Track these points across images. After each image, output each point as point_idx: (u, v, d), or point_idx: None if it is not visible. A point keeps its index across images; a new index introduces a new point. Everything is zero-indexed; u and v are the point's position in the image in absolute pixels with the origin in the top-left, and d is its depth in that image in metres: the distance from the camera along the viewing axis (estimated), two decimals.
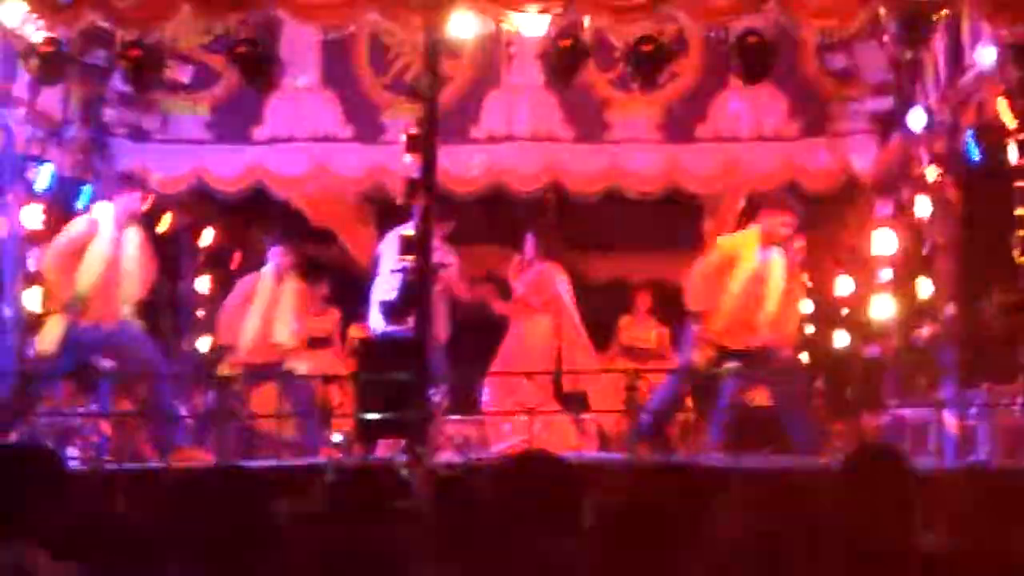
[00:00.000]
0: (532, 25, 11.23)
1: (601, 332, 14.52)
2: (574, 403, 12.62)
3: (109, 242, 11.79)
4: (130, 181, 12.20)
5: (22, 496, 3.39)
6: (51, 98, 12.88)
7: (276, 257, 13.07)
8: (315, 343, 14.30)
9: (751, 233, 11.89)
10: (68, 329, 11.61)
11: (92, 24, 11.41)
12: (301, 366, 12.89)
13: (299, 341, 13.02)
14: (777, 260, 11.74)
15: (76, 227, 11.95)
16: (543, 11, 11.01)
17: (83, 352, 11.84)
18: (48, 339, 11.68)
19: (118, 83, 12.69)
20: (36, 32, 11.41)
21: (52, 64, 11.55)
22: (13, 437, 10.76)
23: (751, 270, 11.68)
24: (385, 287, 12.33)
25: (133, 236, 12.02)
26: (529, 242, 13.28)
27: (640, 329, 15.02)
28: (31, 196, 12.55)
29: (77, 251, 11.77)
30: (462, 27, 11.19)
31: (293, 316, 12.92)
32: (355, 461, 9.99)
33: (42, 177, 12.65)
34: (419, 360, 10.31)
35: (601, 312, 14.45)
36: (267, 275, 13.03)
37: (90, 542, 3.37)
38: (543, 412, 11.50)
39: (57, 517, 3.06)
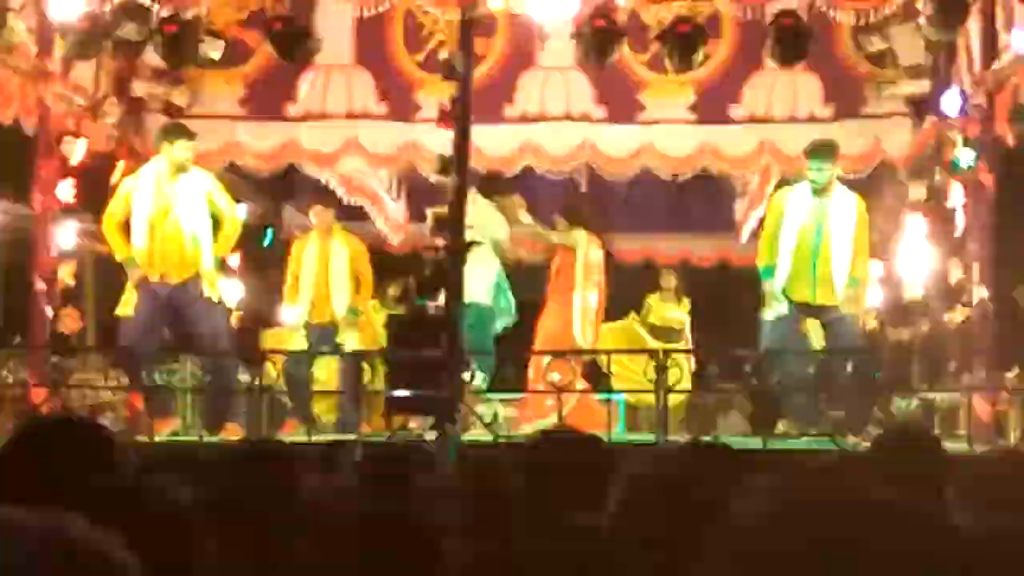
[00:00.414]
0: (566, 5, 11.23)
1: (628, 311, 14.52)
2: (602, 382, 12.61)
3: (152, 196, 11.67)
4: (177, 130, 12.09)
5: (63, 468, 3.42)
6: (84, 72, 12.90)
7: (317, 216, 13.07)
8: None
9: (799, 185, 11.75)
10: (139, 291, 11.52)
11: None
12: (351, 339, 12.85)
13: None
14: (833, 210, 11.56)
15: (122, 187, 11.85)
16: None
17: (160, 314, 11.75)
18: (127, 305, 11.64)
19: (151, 58, 12.70)
20: (72, 7, 11.46)
21: (87, 38, 11.60)
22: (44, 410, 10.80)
23: (801, 222, 11.50)
24: None
25: (190, 185, 11.78)
26: (557, 220, 13.24)
27: (668, 308, 15.03)
28: (65, 171, 12.58)
29: (122, 210, 11.64)
30: (496, 5, 11.18)
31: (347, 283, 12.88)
32: (384, 438, 10.01)
33: (76, 152, 12.67)
34: (449, 337, 10.33)
35: (628, 291, 14.44)
36: (313, 237, 13.01)
37: (128, 513, 3.39)
38: (570, 391, 11.50)
39: (97, 488, 3.08)
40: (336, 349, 12.62)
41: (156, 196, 11.59)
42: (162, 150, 11.72)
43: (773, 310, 11.50)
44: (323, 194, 14.05)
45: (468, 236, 11.36)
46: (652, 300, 15.30)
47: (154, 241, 11.55)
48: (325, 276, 12.84)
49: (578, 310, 12.85)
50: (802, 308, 11.56)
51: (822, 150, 11.54)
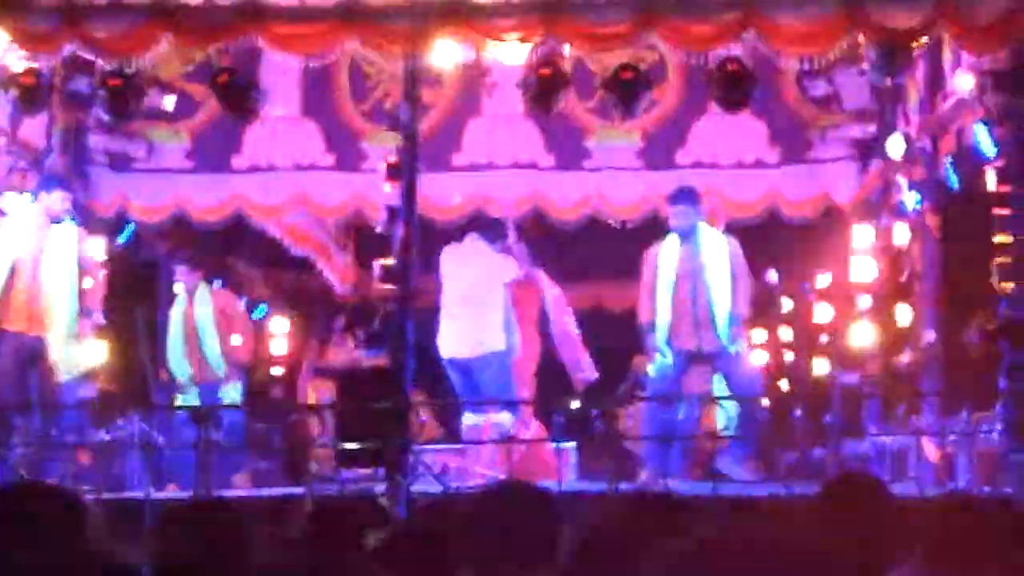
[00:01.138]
0: (512, 54, 11.25)
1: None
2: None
3: (19, 243, 11.83)
4: (57, 181, 12.22)
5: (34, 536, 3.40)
6: (33, 127, 12.85)
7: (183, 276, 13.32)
8: (327, 373, 14.40)
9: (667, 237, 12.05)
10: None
11: (73, 53, 11.42)
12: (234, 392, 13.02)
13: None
14: (704, 253, 11.93)
15: None
16: (523, 40, 11.03)
17: (16, 367, 11.77)
18: None
19: (99, 111, 12.65)
20: (17, 61, 11.41)
21: (34, 94, 11.55)
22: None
23: (673, 270, 11.82)
24: (454, 308, 12.33)
25: (60, 237, 12.01)
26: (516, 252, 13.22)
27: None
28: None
29: None
30: (442, 56, 11.19)
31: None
32: (334, 489, 9.95)
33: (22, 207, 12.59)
34: (398, 388, 10.29)
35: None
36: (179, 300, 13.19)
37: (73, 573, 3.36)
38: (521, 441, 11.48)
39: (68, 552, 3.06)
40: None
41: (24, 244, 11.79)
42: (40, 198, 11.89)
43: (657, 363, 11.77)
44: (270, 246, 14.05)
45: (479, 282, 11.53)
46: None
47: (13, 290, 11.62)
48: (195, 337, 12.98)
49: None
50: (690, 356, 11.82)
51: (680, 196, 12.04)
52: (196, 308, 13.13)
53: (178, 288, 13.30)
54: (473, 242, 12.56)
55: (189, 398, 13.08)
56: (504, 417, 11.79)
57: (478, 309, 12.13)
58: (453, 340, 12.23)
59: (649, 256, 12.17)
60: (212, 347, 13.06)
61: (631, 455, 12.55)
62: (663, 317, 11.85)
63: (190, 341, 13.09)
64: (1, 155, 12.43)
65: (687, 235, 11.87)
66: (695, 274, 11.86)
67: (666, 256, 11.95)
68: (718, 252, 11.87)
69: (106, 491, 10.65)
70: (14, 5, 10.90)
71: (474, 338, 12.09)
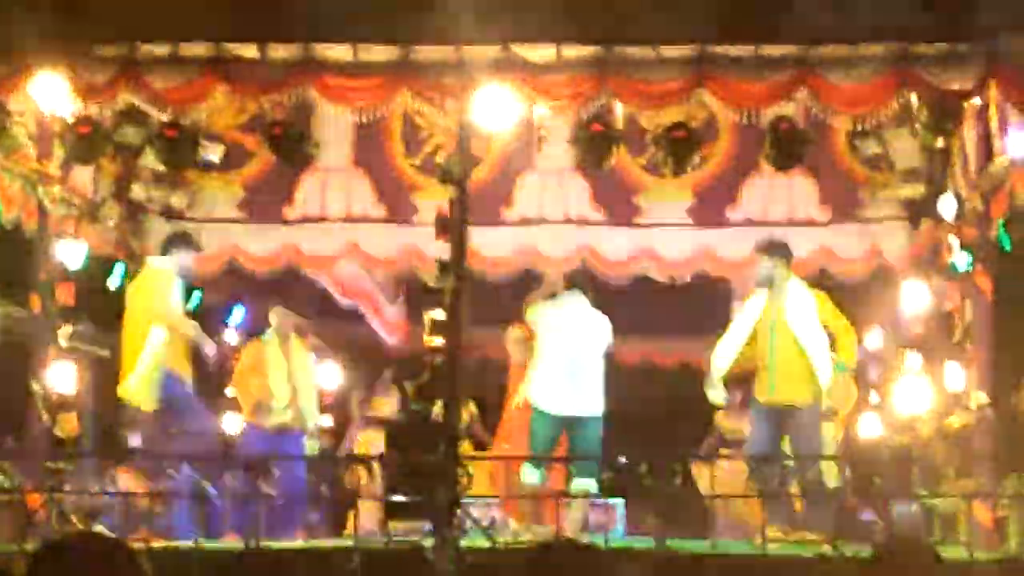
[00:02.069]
0: (563, 109, 11.31)
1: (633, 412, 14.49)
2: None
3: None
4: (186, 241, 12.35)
5: None
6: (84, 176, 12.96)
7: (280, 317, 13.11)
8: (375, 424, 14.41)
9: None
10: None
11: (128, 104, 11.54)
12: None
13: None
14: (770, 303, 11.61)
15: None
16: (575, 96, 11.08)
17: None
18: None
19: (151, 161, 12.75)
20: (72, 111, 11.54)
21: (88, 143, 11.67)
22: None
23: (754, 320, 11.63)
24: (550, 368, 12.07)
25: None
26: None
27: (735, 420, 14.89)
28: (64, 274, 12.59)
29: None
30: (494, 110, 11.23)
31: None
32: (381, 543, 9.95)
33: (75, 255, 12.69)
34: (447, 441, 10.28)
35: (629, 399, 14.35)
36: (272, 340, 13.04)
37: None
38: (568, 497, 11.44)
39: None
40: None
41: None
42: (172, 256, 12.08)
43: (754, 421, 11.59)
44: (321, 297, 14.08)
45: (582, 343, 11.42)
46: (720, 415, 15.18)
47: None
48: (292, 380, 12.87)
49: None
50: (768, 409, 11.54)
51: (764, 247, 11.74)
52: (293, 355, 13.00)
53: (271, 330, 13.10)
54: (573, 298, 12.28)
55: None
56: (589, 483, 11.61)
57: (582, 370, 11.86)
58: (555, 395, 11.95)
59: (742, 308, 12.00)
60: (309, 395, 12.94)
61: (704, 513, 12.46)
62: (731, 367, 11.58)
63: (289, 383, 12.94)
64: (56, 203, 12.51)
65: (772, 287, 11.56)
66: (777, 327, 11.52)
67: (750, 307, 11.72)
68: (803, 304, 11.54)
69: (156, 539, 10.68)
70: (74, 55, 11.02)
71: (577, 398, 11.85)
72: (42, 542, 3.65)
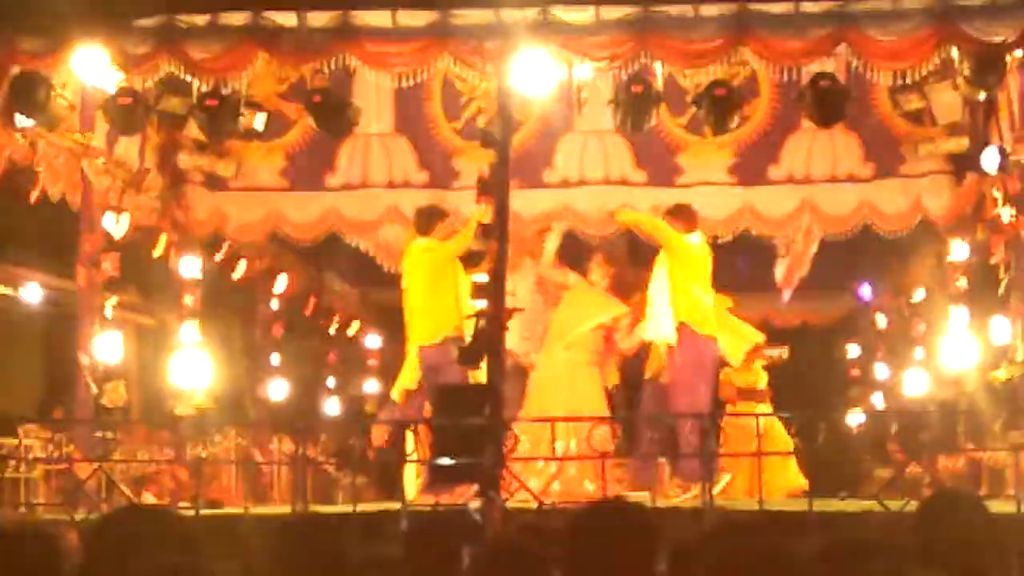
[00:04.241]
0: (603, 71, 11.30)
1: None
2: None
3: None
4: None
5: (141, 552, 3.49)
6: (128, 147, 13.01)
7: None
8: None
9: None
10: None
11: (168, 74, 11.57)
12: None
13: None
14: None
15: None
16: (614, 57, 11.06)
17: None
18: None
19: (194, 131, 12.79)
20: (114, 83, 11.58)
21: (130, 114, 11.72)
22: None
23: None
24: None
25: None
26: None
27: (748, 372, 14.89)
28: (109, 245, 12.66)
29: None
30: (534, 73, 11.22)
31: None
32: (429, 506, 10.00)
33: (119, 226, 12.76)
34: (493, 405, 10.30)
35: None
36: None
37: None
38: (616, 457, 11.45)
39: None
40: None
41: None
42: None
43: None
44: (364, 263, 14.11)
45: None
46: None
47: None
48: None
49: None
50: None
51: None
52: None
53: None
54: None
55: None
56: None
57: None
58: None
59: None
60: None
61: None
62: None
63: None
64: (100, 175, 12.57)
65: None
66: None
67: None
68: None
69: (204, 507, 10.76)
70: (114, 27, 11.05)
71: None
72: (91, 521, 3.72)
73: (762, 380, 14.73)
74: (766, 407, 13.93)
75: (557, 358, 12.55)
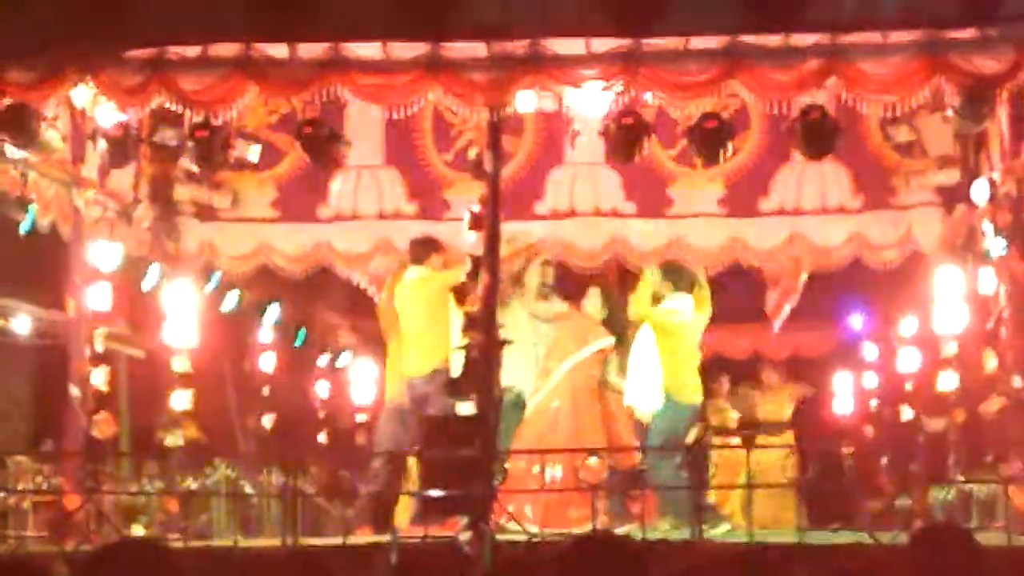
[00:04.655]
0: (593, 102, 11.30)
1: None
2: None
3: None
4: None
5: None
6: (121, 178, 13.02)
7: None
8: None
9: None
10: None
11: (161, 105, 11.57)
12: None
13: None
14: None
15: None
16: (605, 89, 11.07)
17: None
18: None
19: (187, 162, 12.78)
20: (105, 115, 11.58)
21: (122, 146, 11.72)
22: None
23: None
24: None
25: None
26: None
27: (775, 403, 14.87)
28: (99, 276, 12.65)
29: None
30: (524, 105, 11.24)
31: None
32: (419, 539, 9.96)
33: (110, 257, 12.74)
34: (483, 437, 10.29)
35: None
36: None
37: None
38: (605, 489, 11.43)
39: None
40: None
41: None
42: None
43: None
44: (355, 294, 14.11)
45: None
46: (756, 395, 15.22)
47: None
48: None
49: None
50: None
51: None
52: None
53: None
54: None
55: None
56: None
57: None
58: None
59: None
60: None
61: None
62: None
63: None
64: (91, 206, 12.57)
65: None
66: None
67: None
68: None
69: (193, 539, 10.73)
70: (104, 58, 11.05)
71: None
72: (82, 553, 3.72)
73: (787, 410, 14.80)
74: (788, 437, 14.03)
75: (559, 383, 12.59)
